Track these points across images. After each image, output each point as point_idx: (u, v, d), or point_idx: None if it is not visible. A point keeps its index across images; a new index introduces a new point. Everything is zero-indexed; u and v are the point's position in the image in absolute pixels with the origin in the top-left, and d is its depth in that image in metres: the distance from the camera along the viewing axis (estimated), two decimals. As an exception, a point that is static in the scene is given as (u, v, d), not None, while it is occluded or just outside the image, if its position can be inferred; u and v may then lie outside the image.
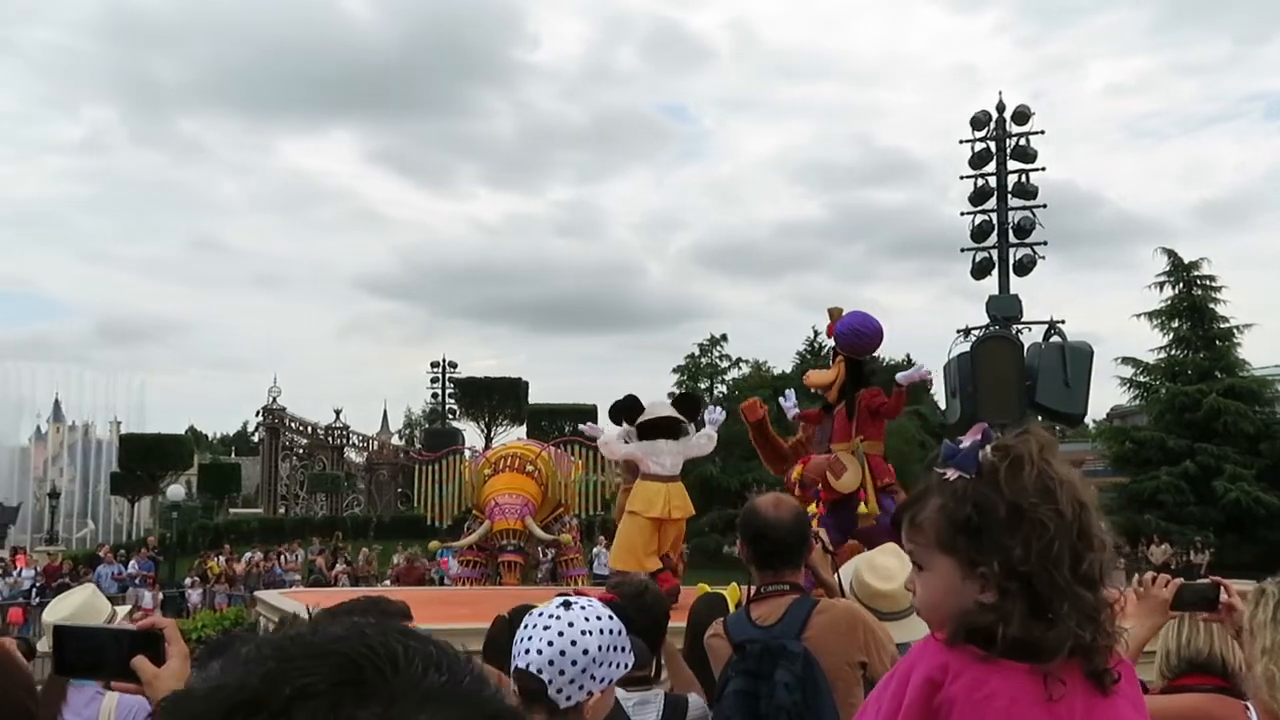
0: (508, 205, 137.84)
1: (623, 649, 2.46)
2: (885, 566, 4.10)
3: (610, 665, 2.41)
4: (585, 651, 2.36)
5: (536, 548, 17.78)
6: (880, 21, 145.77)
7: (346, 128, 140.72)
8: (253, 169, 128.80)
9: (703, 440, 10.88)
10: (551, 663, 2.34)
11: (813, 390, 10.50)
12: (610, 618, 2.46)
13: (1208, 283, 38.08)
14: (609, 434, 11.74)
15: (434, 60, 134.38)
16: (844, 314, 10.05)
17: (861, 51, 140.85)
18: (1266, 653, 2.84)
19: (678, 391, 54.92)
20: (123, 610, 4.07)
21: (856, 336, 9.66)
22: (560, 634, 2.37)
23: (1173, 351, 38.34)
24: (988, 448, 1.76)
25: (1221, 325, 37.73)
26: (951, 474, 1.76)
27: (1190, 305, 37.75)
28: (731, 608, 4.38)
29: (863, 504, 9.47)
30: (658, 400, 11.56)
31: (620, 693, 3.35)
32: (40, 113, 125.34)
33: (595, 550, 24.04)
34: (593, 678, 2.37)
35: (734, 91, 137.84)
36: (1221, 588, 3.13)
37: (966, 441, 1.79)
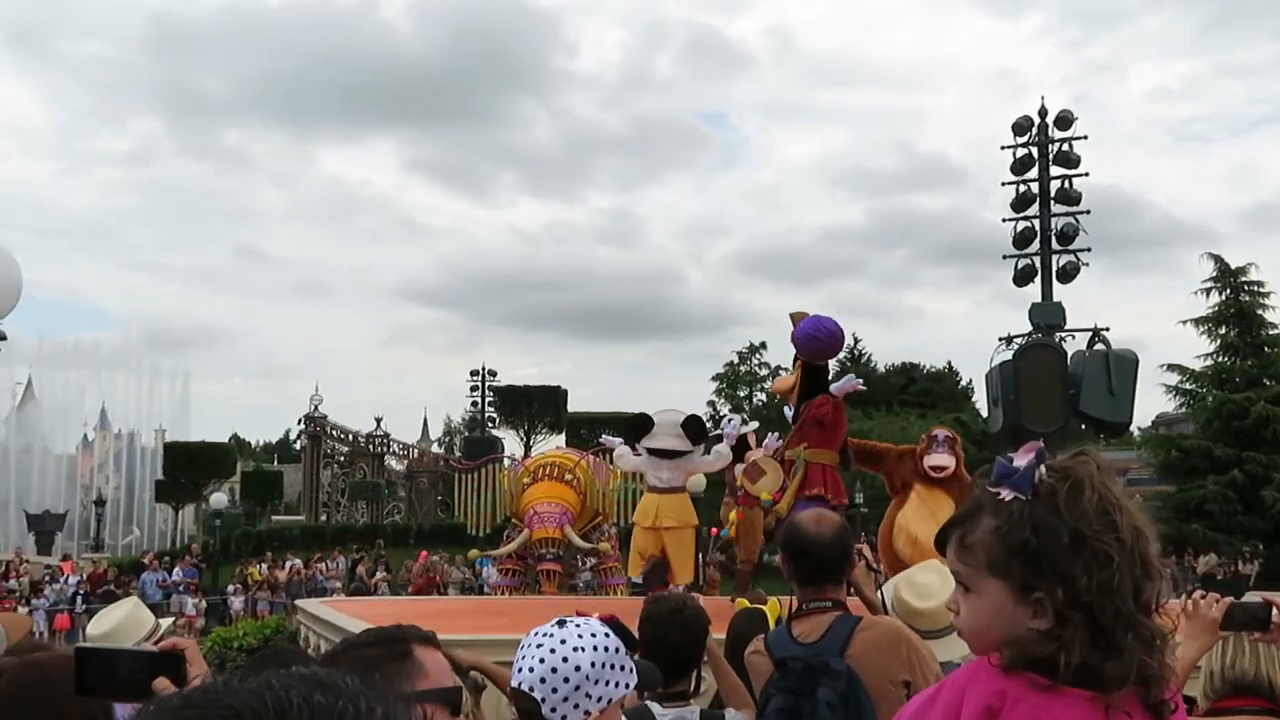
0: (548, 213, 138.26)
1: (620, 668, 2.42)
2: (925, 584, 4.05)
3: (606, 684, 2.39)
4: (578, 669, 2.34)
5: (574, 557, 17.83)
6: (920, 26, 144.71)
7: (386, 137, 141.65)
8: (295, 178, 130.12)
9: (711, 458, 11.28)
10: (543, 680, 2.32)
11: (777, 397, 10.62)
12: (607, 635, 2.43)
13: (1256, 288, 37.56)
14: (624, 446, 12.37)
15: (473, 69, 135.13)
16: (804, 318, 9.97)
17: (901, 57, 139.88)
18: (1318, 674, 2.78)
19: (716, 400, 54.96)
20: (166, 623, 4.10)
21: (811, 341, 9.60)
22: (552, 651, 2.36)
23: (1220, 358, 37.83)
24: (1042, 468, 1.71)
25: (1270, 332, 37.21)
26: (1006, 494, 1.70)
27: (1238, 311, 37.23)
28: (771, 624, 4.33)
29: (776, 504, 9.68)
30: (667, 418, 11.80)
31: (656, 709, 3.34)
32: (89, 124, 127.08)
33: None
34: (588, 696, 2.35)
35: (774, 98, 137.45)
36: (1275, 608, 3.07)
37: (1021, 460, 1.72)
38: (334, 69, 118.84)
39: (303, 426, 51.23)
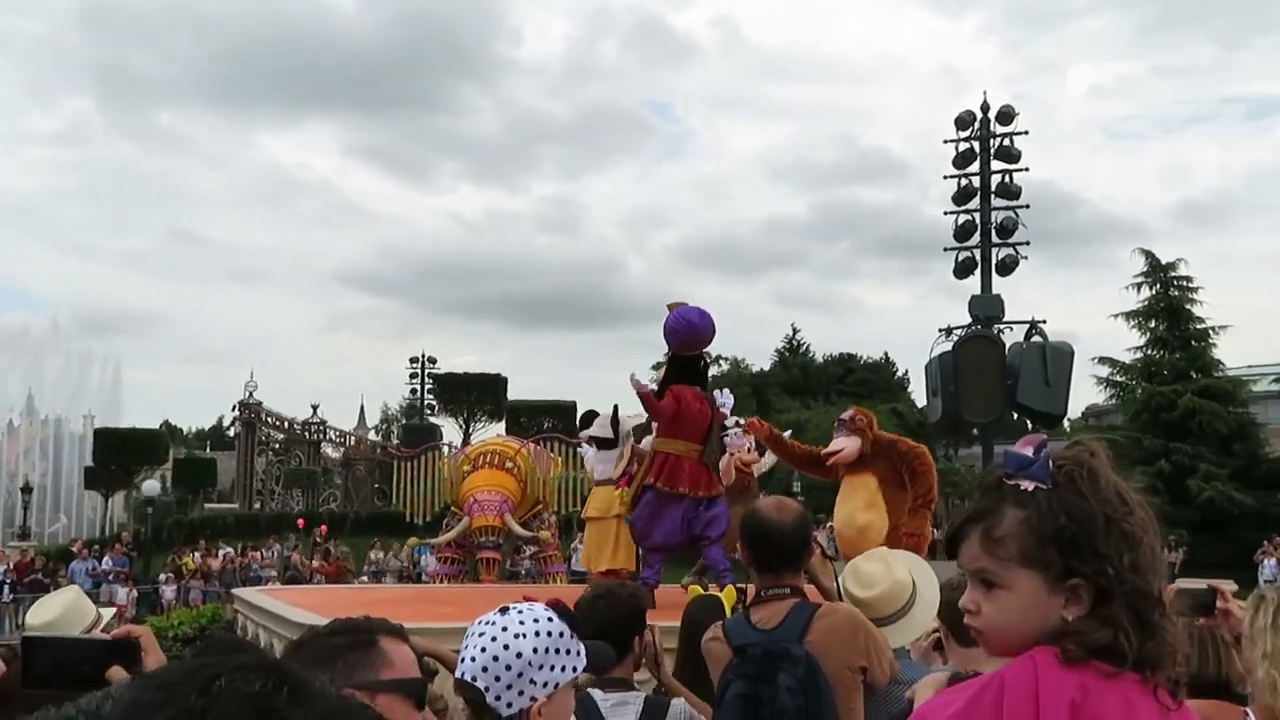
0: (490, 201, 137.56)
1: (566, 651, 2.38)
2: (869, 573, 4.07)
3: (551, 669, 2.35)
4: (519, 655, 2.30)
5: (514, 545, 17.76)
6: (866, 22, 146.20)
7: (326, 121, 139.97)
8: (231, 161, 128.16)
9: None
10: (486, 669, 2.29)
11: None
12: (549, 620, 2.39)
13: (1185, 283, 38.38)
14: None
15: (415, 55, 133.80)
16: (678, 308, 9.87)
17: (847, 52, 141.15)
18: (1267, 657, 2.82)
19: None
20: (108, 613, 3.97)
21: (674, 333, 9.55)
22: (494, 639, 2.32)
23: (1149, 351, 38.63)
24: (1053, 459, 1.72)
25: (1197, 326, 38.04)
26: (1028, 485, 1.69)
27: (1167, 306, 38.03)
28: (728, 611, 4.32)
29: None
30: (609, 411, 11.98)
31: (598, 695, 3.33)
32: (19, 103, 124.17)
33: (574, 546, 24.01)
34: (532, 682, 2.31)
35: (719, 89, 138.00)
36: (1219, 594, 3.12)
37: (1029, 451, 1.72)
38: (272, 50, 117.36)
39: (237, 413, 50.53)
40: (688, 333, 9.46)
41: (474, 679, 2.29)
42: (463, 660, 2.33)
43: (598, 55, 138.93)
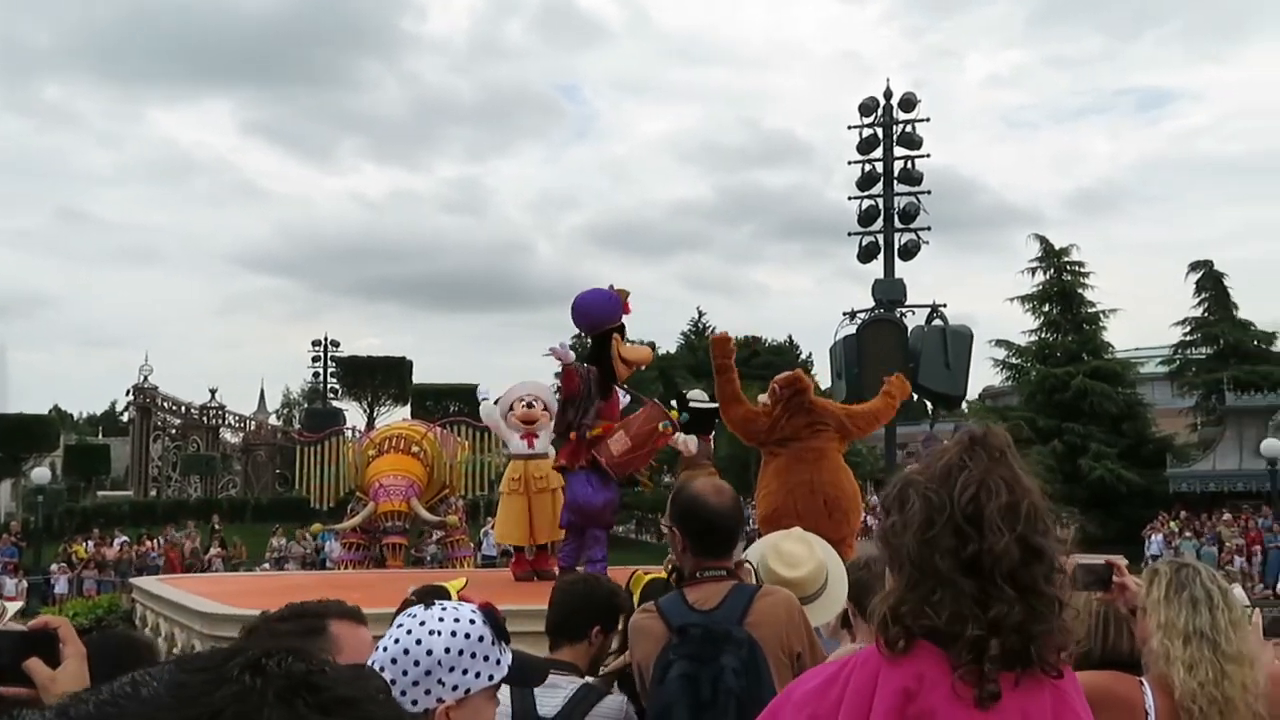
0: (393, 181, 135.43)
1: (485, 658, 2.28)
2: (792, 553, 4.10)
3: (464, 673, 2.24)
4: (429, 652, 2.22)
5: (420, 530, 17.60)
6: (770, 7, 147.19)
7: (222, 97, 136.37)
8: (123, 138, 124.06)
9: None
10: (395, 661, 2.21)
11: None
12: (472, 622, 2.29)
13: (1077, 268, 39.56)
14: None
15: (315, 28, 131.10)
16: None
17: (752, 36, 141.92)
18: (1161, 628, 2.93)
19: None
20: (13, 607, 3.81)
21: (574, 314, 9.75)
22: (409, 632, 2.25)
23: (1043, 334, 39.75)
24: None
25: (1089, 310, 39.25)
26: None
27: (1060, 290, 39.16)
28: (635, 593, 4.29)
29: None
30: None
31: None
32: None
33: (484, 531, 23.89)
34: (440, 683, 2.22)
35: (627, 72, 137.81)
36: (1114, 568, 3.22)
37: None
38: (165, 22, 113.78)
39: (131, 398, 49.02)
40: (576, 310, 9.70)
41: (381, 669, 2.20)
42: (376, 649, 2.27)
43: (504, 34, 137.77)
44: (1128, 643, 3.15)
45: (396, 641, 2.24)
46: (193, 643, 7.79)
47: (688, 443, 11.14)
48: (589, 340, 9.95)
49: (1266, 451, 26.63)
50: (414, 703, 2.20)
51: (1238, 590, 3.40)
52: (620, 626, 3.69)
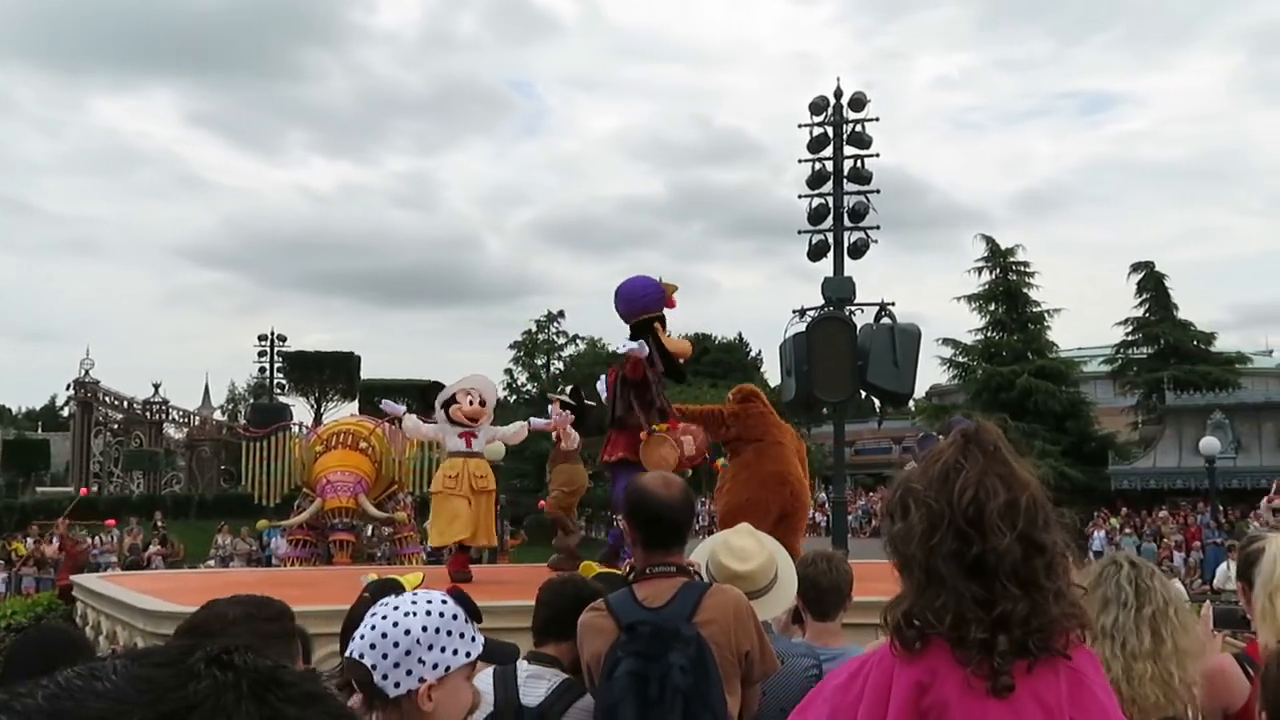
0: (341, 174, 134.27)
1: (460, 635, 2.36)
2: (742, 548, 4.12)
3: (442, 650, 2.31)
4: (407, 633, 2.28)
5: (368, 526, 17.47)
6: (723, 6, 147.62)
7: (166, 87, 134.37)
8: (64, 127, 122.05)
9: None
10: (374, 646, 2.26)
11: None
12: (444, 602, 2.39)
13: (1022, 268, 40.09)
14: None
15: (261, 18, 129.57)
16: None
17: (704, 34, 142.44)
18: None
19: (514, 368, 54.73)
20: None
21: (617, 298, 9.79)
22: (384, 617, 2.30)
23: (989, 333, 40.24)
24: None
25: (1034, 309, 39.80)
26: None
27: (1006, 290, 39.66)
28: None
29: None
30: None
31: (522, 665, 3.36)
32: None
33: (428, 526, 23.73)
34: (421, 662, 2.27)
35: (579, 68, 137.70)
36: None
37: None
38: (106, 7, 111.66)
39: (72, 392, 48.14)
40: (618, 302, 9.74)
41: (361, 656, 2.26)
42: (351, 640, 2.30)
43: (455, 27, 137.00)
44: None
45: (373, 628, 2.29)
46: (135, 640, 7.67)
47: (572, 436, 10.89)
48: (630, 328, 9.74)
49: (1205, 450, 27.12)
50: (396, 685, 2.25)
51: (1177, 585, 3.46)
52: None
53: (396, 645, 2.26)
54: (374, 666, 2.25)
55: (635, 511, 3.48)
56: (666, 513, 3.43)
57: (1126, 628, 2.90)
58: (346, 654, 2.29)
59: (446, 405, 9.87)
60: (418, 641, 2.28)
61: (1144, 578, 3.01)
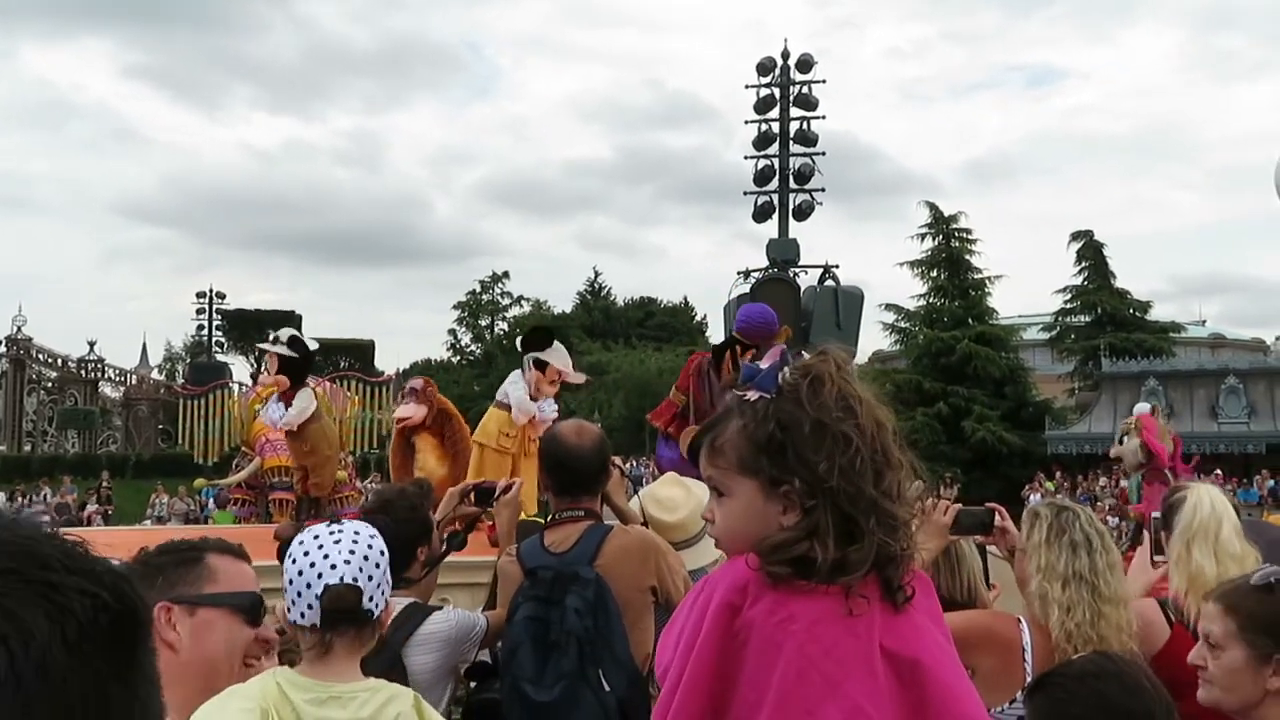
0: (285, 131, 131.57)
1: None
2: (669, 497, 4.15)
3: (390, 570, 2.43)
4: (383, 553, 2.36)
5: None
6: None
7: (103, 37, 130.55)
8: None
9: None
10: (362, 569, 2.31)
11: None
12: (372, 535, 2.45)
13: (964, 235, 40.51)
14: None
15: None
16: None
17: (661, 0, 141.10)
18: (1040, 570, 3.03)
19: (457, 329, 54.42)
20: None
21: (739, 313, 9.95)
22: (355, 542, 2.34)
23: (931, 299, 40.65)
24: (787, 369, 1.75)
25: (975, 276, 40.25)
26: (752, 395, 1.74)
27: (948, 256, 40.06)
28: None
29: None
30: None
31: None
32: None
33: (369, 484, 23.60)
34: (388, 582, 2.38)
35: (531, 29, 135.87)
36: (996, 513, 3.31)
37: (766, 363, 1.77)
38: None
39: (4, 349, 47.12)
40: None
41: (355, 580, 2.28)
42: (331, 567, 2.29)
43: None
44: (946, 584, 3.26)
45: (354, 553, 2.31)
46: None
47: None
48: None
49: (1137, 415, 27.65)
50: (377, 606, 2.34)
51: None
52: None
53: (378, 566, 2.33)
54: (364, 589, 2.30)
55: (547, 458, 3.55)
56: (576, 460, 3.47)
57: (1100, 572, 2.95)
58: (335, 581, 2.27)
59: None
60: (389, 563, 2.38)
61: (1097, 523, 3.08)
